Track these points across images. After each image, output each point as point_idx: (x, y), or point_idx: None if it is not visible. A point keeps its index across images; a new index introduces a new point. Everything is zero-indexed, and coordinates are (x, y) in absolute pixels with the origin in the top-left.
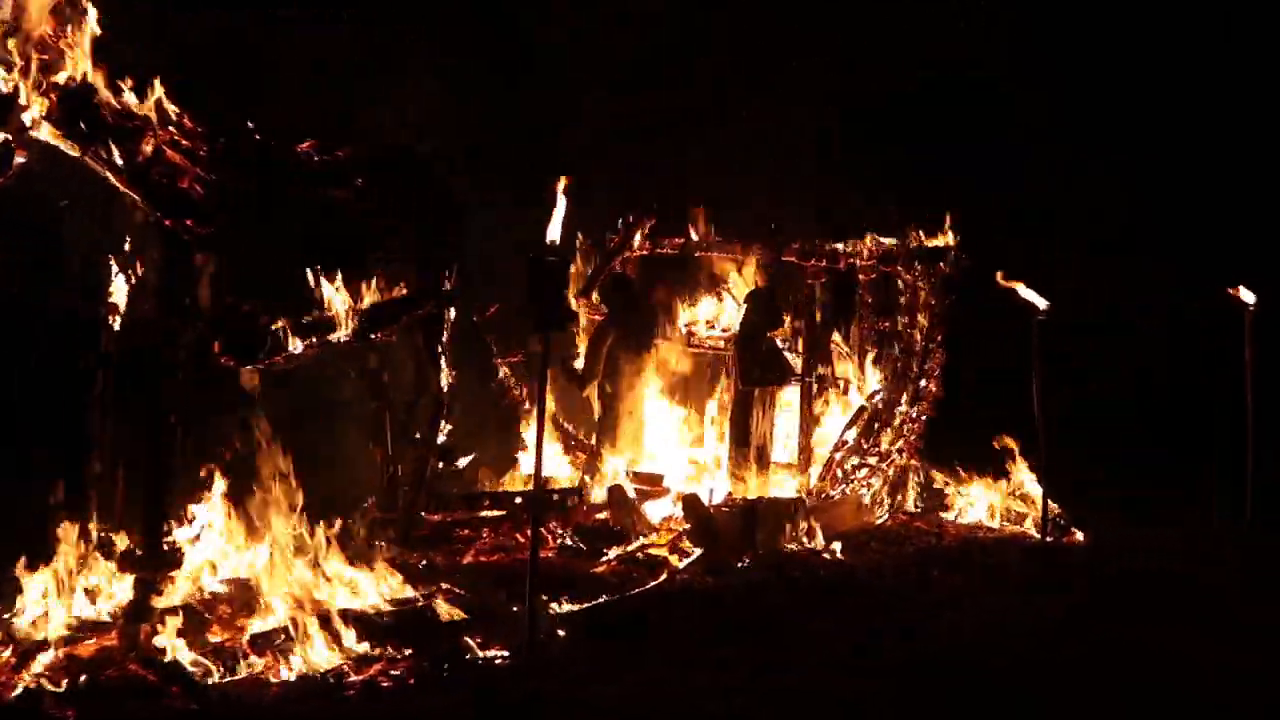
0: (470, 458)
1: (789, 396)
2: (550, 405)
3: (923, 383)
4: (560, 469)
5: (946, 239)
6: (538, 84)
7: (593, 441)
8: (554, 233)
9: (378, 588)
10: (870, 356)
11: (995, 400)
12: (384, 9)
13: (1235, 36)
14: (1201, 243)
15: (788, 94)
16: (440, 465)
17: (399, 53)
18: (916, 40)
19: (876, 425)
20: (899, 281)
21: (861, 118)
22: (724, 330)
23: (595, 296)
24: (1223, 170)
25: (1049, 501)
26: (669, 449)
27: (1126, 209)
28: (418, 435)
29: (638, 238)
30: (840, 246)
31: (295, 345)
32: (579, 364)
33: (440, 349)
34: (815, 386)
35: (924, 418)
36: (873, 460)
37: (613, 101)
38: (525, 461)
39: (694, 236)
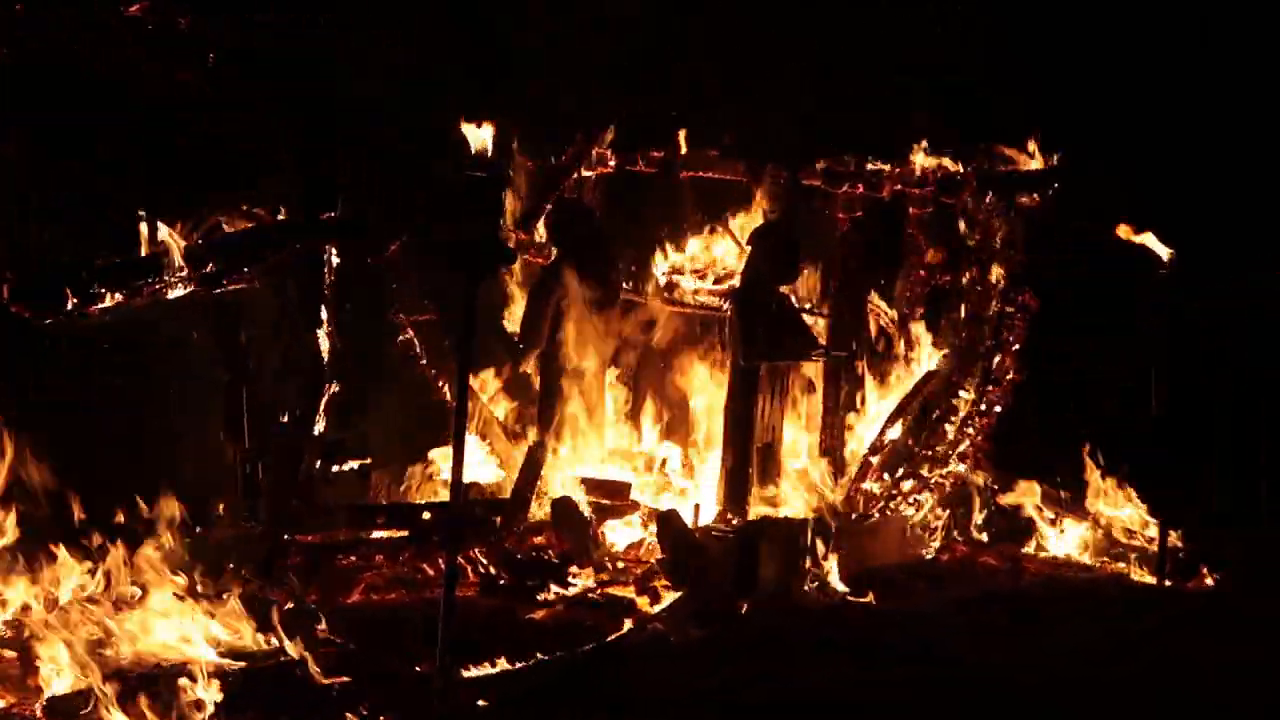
0: (364, 462)
1: (808, 378)
2: (485, 384)
3: (996, 359)
4: (487, 472)
5: (1037, 160)
6: None
7: (530, 436)
8: (481, 137)
9: (223, 637)
10: (922, 322)
11: (1079, 390)
12: None
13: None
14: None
15: None
16: (319, 466)
17: None
18: None
19: (931, 419)
20: (963, 219)
21: None
22: (719, 283)
23: (539, 232)
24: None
25: (1167, 530)
26: (638, 447)
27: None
28: (285, 421)
29: (598, 150)
30: (884, 166)
31: (109, 295)
32: (514, 326)
33: (320, 302)
34: (845, 364)
35: (996, 409)
36: (924, 468)
37: None
38: (440, 463)
39: (681, 148)
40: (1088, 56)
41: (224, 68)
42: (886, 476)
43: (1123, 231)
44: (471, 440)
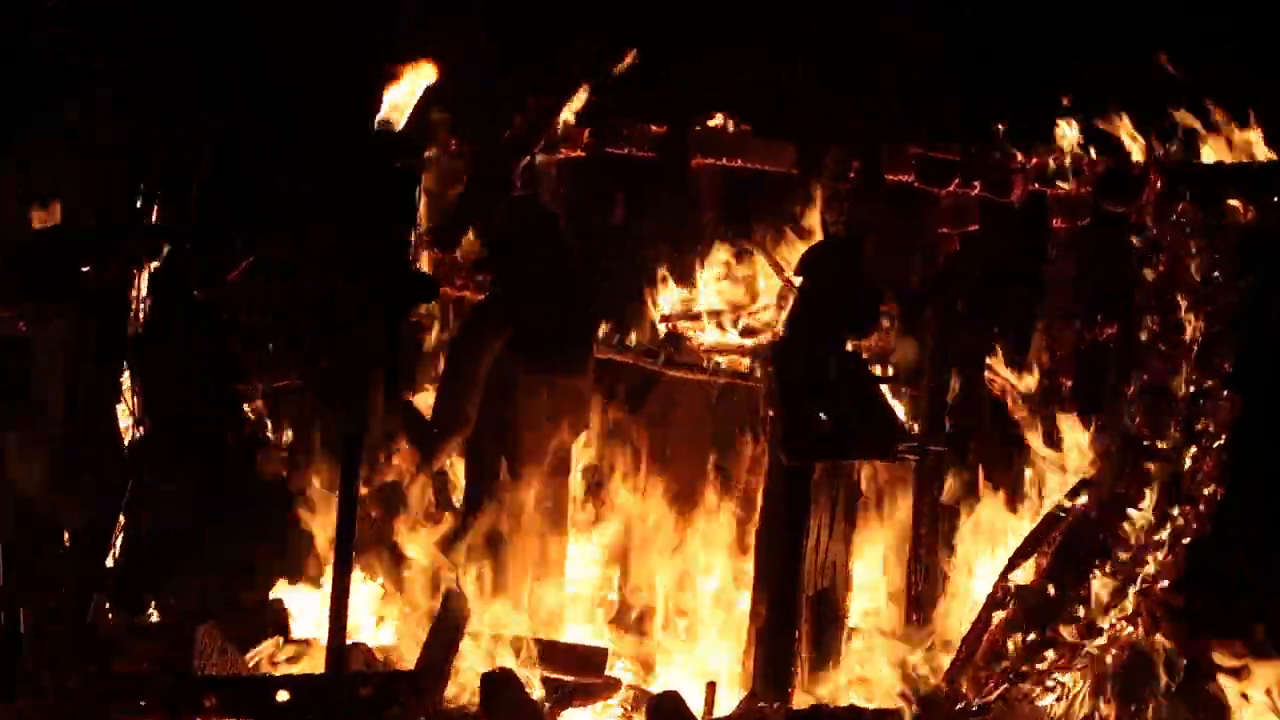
0: (186, 608)
1: (887, 485)
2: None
3: (1188, 460)
4: (381, 629)
5: (1260, 146)
6: None
7: (447, 573)
8: (396, 105)
9: None
10: (1071, 401)
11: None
12: None
13: None
14: None
15: None
16: (110, 610)
17: None
18: None
19: (1083, 555)
20: (1138, 237)
21: None
22: (749, 335)
23: (469, 245)
24: None
25: None
26: (619, 593)
27: None
28: (60, 548)
29: (565, 121)
30: (1014, 153)
31: None
32: (425, 398)
33: (121, 359)
34: (949, 465)
35: (1187, 540)
36: (1072, 631)
37: None
38: (306, 607)
39: (694, 121)
40: None
41: None
42: (1012, 644)
43: None
44: (358, 579)
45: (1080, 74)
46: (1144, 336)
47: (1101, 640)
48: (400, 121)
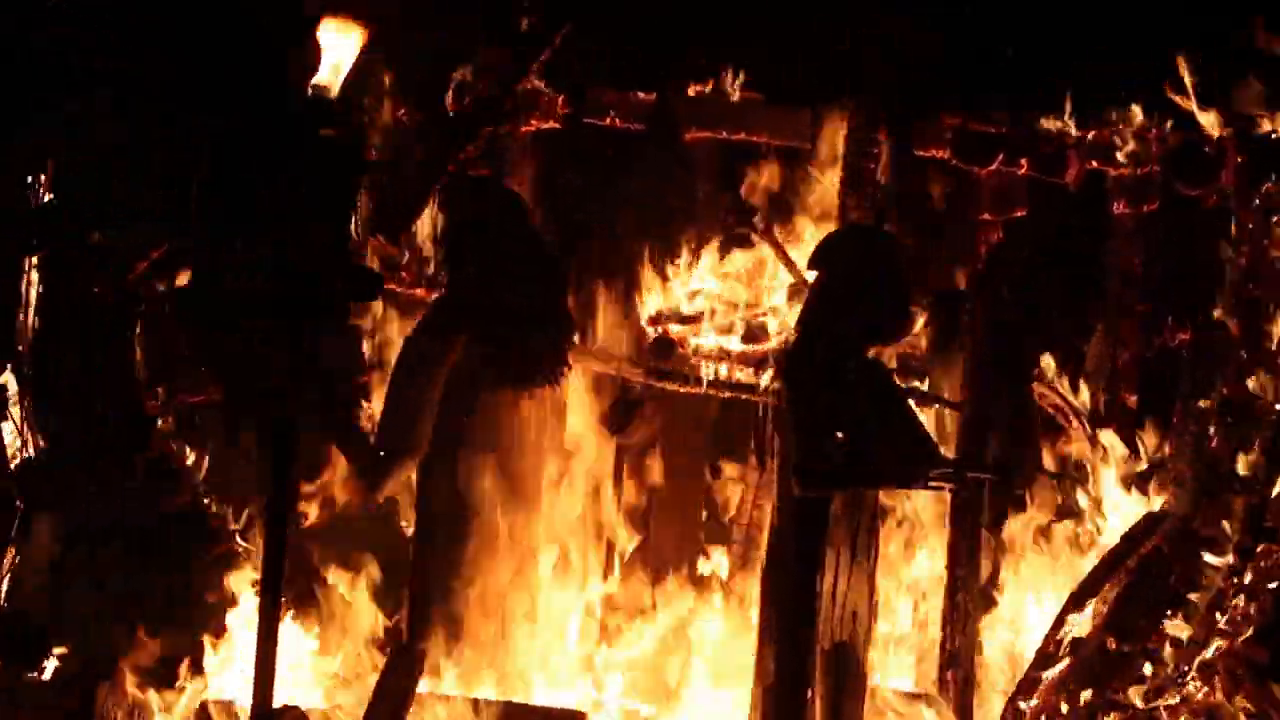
0: (81, 660)
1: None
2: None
3: (1276, 493)
4: (314, 690)
5: None
6: None
7: (403, 618)
8: (332, 66)
9: None
10: (1137, 421)
11: None
12: None
13: None
14: None
15: None
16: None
17: None
18: None
19: (1151, 603)
20: (1219, 223)
21: None
22: (753, 340)
23: (418, 240)
24: None
25: None
26: (602, 651)
27: None
28: None
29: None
30: (1067, 127)
31: None
32: (370, 416)
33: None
34: (995, 496)
35: (1273, 586)
36: (1134, 694)
37: None
38: (230, 660)
39: (688, 86)
40: None
41: None
42: (1066, 707)
43: None
44: (290, 631)
45: (1148, 29)
46: (1223, 342)
47: (1172, 702)
48: (335, 85)
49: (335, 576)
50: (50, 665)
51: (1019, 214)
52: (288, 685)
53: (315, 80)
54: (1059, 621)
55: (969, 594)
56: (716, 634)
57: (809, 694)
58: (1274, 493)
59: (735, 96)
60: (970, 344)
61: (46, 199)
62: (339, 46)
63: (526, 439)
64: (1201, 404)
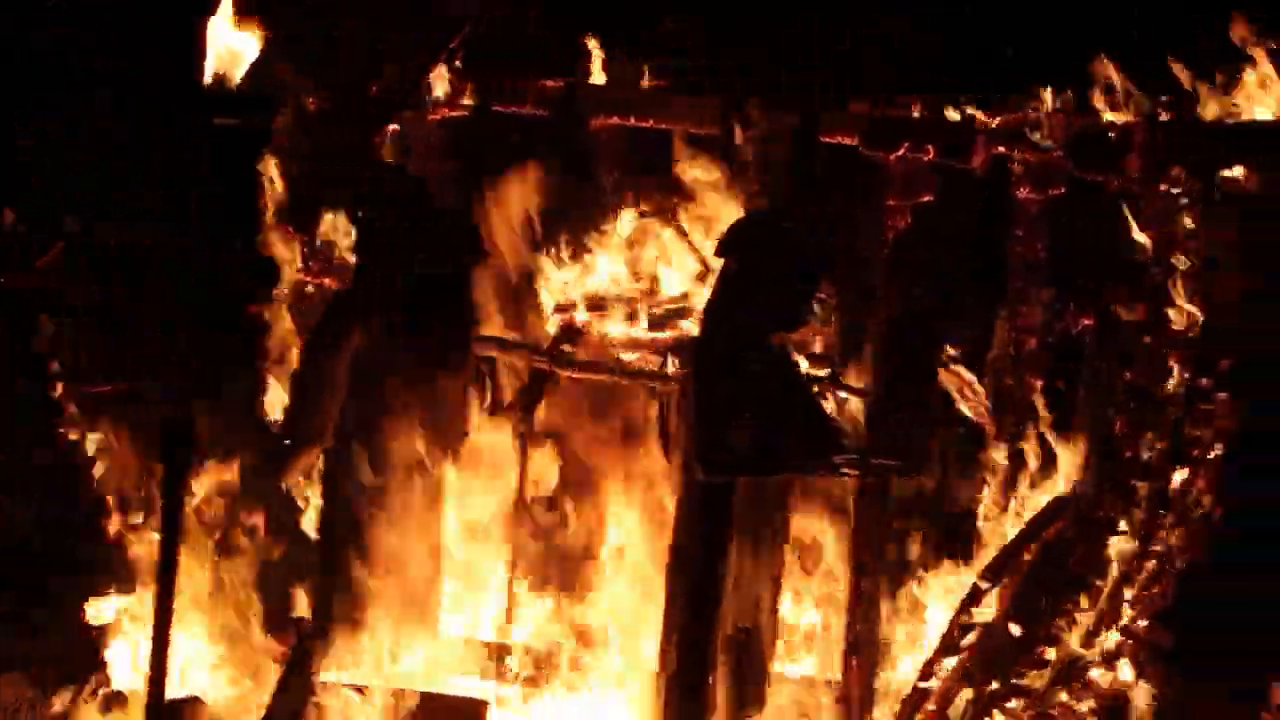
0: None
1: (824, 507)
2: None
3: (1178, 475)
4: (213, 680)
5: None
6: None
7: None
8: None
9: None
10: (1041, 405)
11: None
12: None
13: None
14: None
15: None
16: None
17: None
18: None
19: (1055, 588)
20: (1127, 210)
21: None
22: (659, 327)
23: (325, 228)
24: None
25: None
26: (504, 633)
27: None
28: None
29: (441, 81)
30: (976, 114)
31: None
32: (275, 404)
33: None
34: (899, 482)
35: (1177, 566)
36: (1039, 678)
37: None
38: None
39: (594, 72)
40: None
41: None
42: (969, 691)
43: None
44: (191, 619)
45: (1057, 13)
46: (1126, 328)
47: (1075, 688)
48: (238, 74)
49: (236, 565)
50: None
51: (926, 200)
52: (189, 674)
53: (217, 69)
54: (962, 609)
55: (873, 582)
56: (621, 622)
57: (711, 681)
58: (1177, 480)
59: (654, 85)
60: (877, 331)
61: None
62: (242, 36)
63: (431, 425)
64: (1104, 390)
